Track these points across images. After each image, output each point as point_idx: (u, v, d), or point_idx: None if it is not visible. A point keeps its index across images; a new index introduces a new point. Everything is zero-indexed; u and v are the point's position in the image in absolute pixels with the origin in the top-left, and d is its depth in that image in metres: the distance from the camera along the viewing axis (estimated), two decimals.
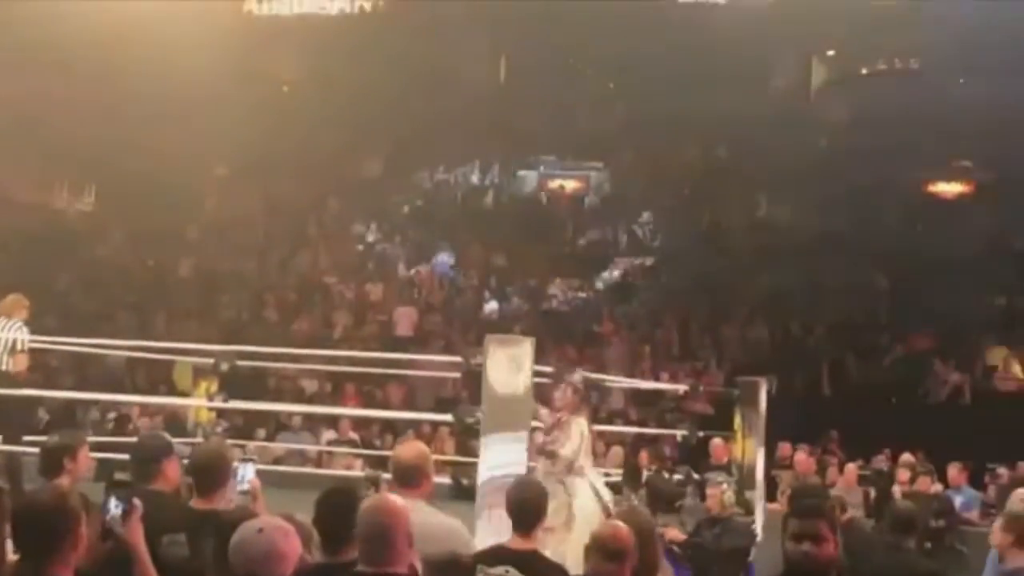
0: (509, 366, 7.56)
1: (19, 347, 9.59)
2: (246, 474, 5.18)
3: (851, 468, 13.14)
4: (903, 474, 12.43)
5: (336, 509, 4.40)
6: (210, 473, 4.90)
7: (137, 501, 4.28)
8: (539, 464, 7.76)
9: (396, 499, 4.24)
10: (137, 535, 4.28)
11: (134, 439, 6.79)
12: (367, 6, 19.52)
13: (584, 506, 7.74)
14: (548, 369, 8.28)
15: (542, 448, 7.81)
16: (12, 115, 18.08)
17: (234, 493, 5.07)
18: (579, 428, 7.82)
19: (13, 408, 9.53)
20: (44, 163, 21.08)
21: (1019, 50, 18.69)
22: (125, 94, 19.52)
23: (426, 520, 4.66)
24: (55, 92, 19.21)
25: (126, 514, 4.24)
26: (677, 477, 10.86)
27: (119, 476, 4.69)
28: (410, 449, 5.35)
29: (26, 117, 18.64)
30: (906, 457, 13.01)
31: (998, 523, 6.30)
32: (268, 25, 19.90)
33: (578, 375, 8.05)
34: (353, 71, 20.63)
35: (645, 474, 10.39)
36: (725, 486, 9.19)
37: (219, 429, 13.48)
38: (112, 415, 14.97)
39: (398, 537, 4.02)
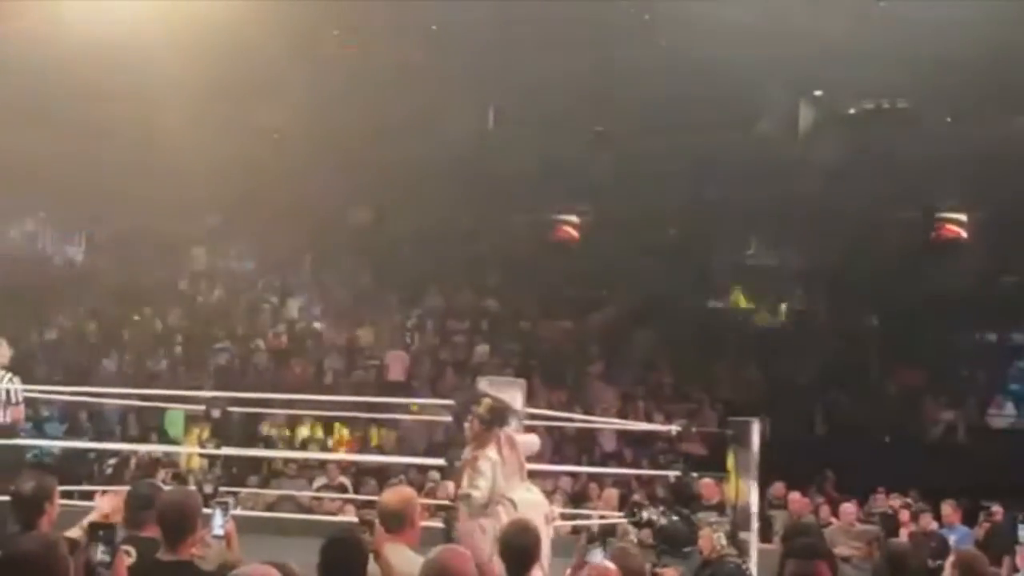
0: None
1: (14, 399, 9.49)
2: (219, 519, 5.13)
3: (847, 508, 13.08)
4: (904, 514, 12.41)
5: (340, 557, 4.41)
6: (173, 524, 4.76)
7: (126, 547, 4.25)
8: (460, 507, 7.17)
9: (462, 551, 4.26)
10: None
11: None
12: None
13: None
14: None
15: (457, 494, 7.26)
16: (1, 166, 18.09)
17: (210, 537, 5.03)
18: (488, 462, 7.07)
19: (3, 457, 9.43)
20: (33, 213, 21.07)
21: (1007, 88, 18.80)
22: (115, 144, 19.52)
23: (411, 566, 4.64)
24: (44, 143, 19.21)
25: (112, 559, 4.20)
26: (675, 518, 10.82)
27: (104, 521, 4.65)
28: (396, 495, 5.34)
29: (15, 168, 18.63)
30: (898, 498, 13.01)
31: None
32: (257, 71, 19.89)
33: (483, 406, 7.32)
34: (342, 118, 20.66)
35: (646, 514, 10.32)
36: (716, 527, 9.13)
37: (211, 476, 13.41)
38: (112, 461, 14.90)
39: None
